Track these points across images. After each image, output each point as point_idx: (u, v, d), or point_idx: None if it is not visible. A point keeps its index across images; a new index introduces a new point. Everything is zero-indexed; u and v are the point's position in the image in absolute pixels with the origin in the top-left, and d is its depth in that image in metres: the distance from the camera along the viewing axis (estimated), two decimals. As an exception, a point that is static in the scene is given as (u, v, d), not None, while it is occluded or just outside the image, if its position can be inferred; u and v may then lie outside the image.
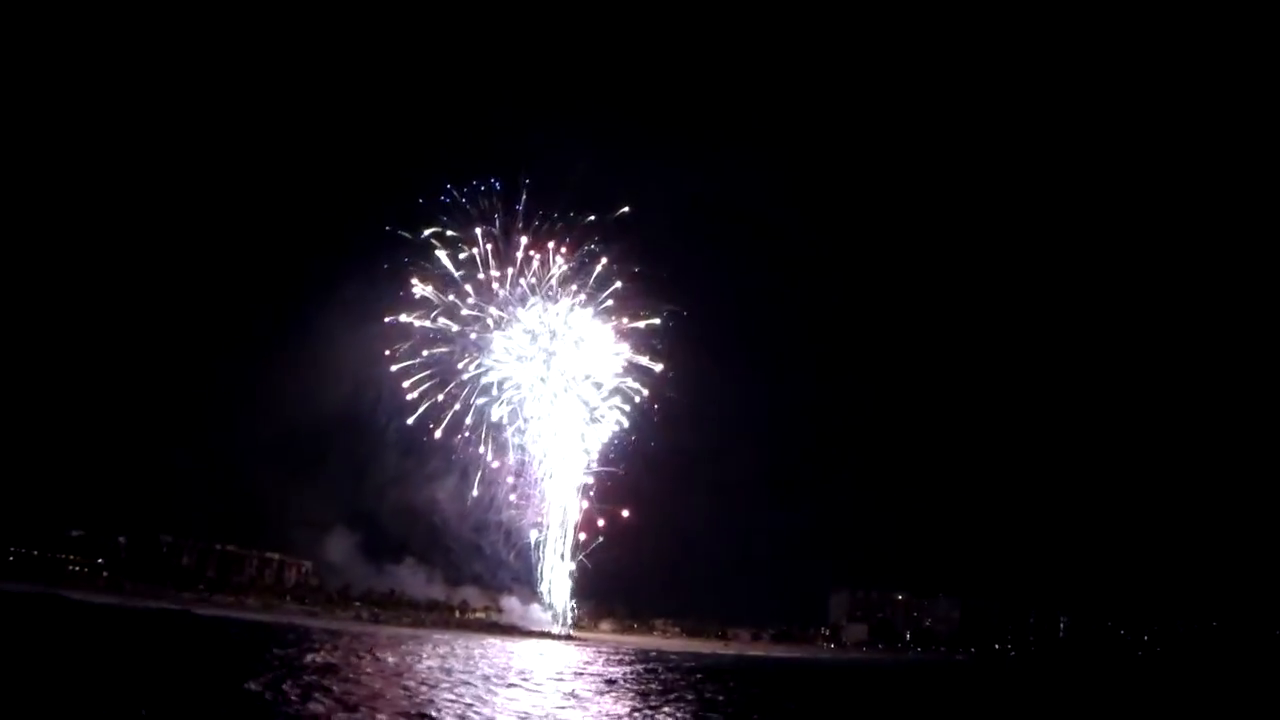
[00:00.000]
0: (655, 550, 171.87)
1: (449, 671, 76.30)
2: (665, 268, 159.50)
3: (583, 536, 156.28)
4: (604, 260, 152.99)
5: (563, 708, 58.19)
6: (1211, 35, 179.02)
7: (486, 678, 73.32)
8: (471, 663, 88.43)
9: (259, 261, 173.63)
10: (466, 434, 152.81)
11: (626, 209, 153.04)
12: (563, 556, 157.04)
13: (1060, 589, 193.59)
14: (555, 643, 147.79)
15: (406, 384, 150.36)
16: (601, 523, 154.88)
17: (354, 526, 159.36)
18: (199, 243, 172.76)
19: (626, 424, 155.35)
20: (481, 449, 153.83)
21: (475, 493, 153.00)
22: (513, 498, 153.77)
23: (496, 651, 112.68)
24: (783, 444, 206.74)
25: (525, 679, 74.84)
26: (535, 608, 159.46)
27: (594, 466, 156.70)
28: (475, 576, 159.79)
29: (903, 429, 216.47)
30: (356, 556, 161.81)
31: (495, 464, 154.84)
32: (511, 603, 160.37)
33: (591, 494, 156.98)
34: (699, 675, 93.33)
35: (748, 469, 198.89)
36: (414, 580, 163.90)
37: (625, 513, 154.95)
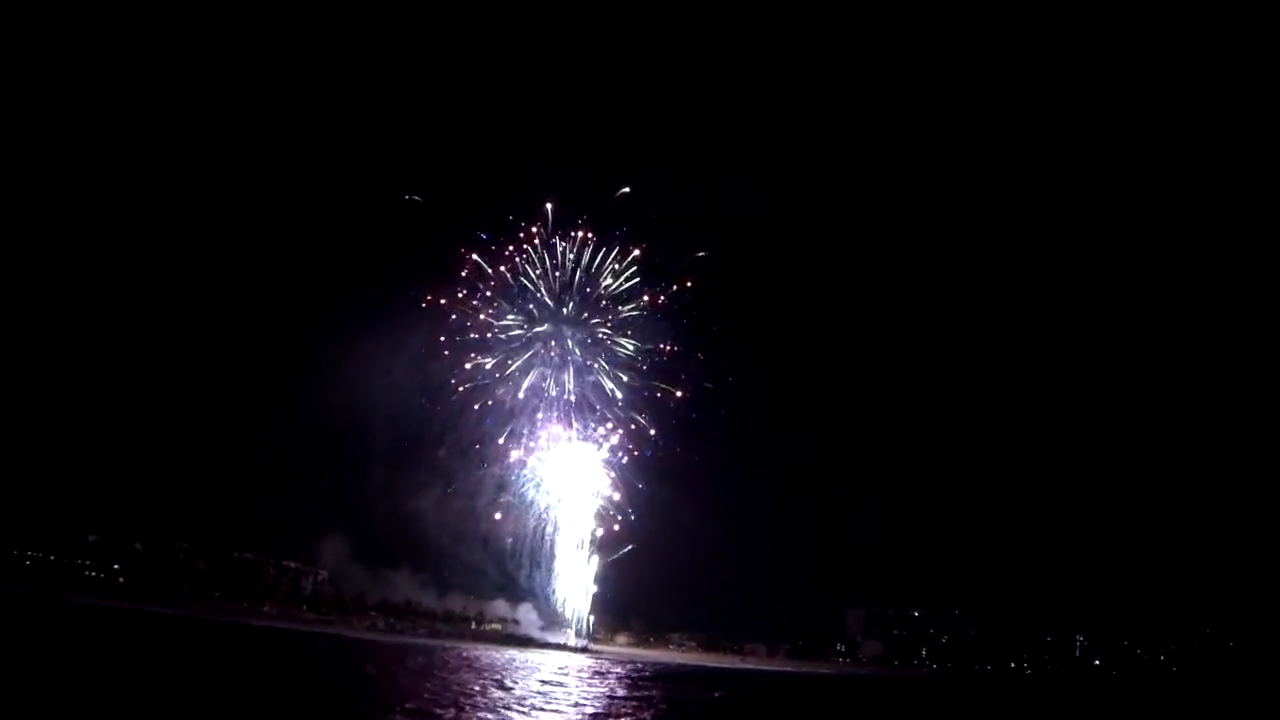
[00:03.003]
0: (672, 564, 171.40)
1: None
2: (683, 279, 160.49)
3: (599, 550, 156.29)
4: (623, 274, 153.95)
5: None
6: (1211, 35, 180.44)
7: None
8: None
9: (281, 277, 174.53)
10: (479, 445, 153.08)
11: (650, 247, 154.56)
12: (582, 564, 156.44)
13: (1076, 607, 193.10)
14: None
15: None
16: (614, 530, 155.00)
17: (362, 534, 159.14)
18: (223, 258, 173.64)
19: (646, 436, 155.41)
20: (498, 460, 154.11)
21: (489, 503, 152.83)
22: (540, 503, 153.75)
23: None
24: (800, 459, 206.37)
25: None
26: (552, 620, 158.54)
27: (613, 478, 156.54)
28: (491, 587, 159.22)
29: (920, 445, 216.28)
30: (362, 565, 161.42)
31: (513, 474, 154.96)
32: (528, 614, 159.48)
33: (609, 507, 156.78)
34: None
35: (765, 483, 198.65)
36: (424, 589, 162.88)
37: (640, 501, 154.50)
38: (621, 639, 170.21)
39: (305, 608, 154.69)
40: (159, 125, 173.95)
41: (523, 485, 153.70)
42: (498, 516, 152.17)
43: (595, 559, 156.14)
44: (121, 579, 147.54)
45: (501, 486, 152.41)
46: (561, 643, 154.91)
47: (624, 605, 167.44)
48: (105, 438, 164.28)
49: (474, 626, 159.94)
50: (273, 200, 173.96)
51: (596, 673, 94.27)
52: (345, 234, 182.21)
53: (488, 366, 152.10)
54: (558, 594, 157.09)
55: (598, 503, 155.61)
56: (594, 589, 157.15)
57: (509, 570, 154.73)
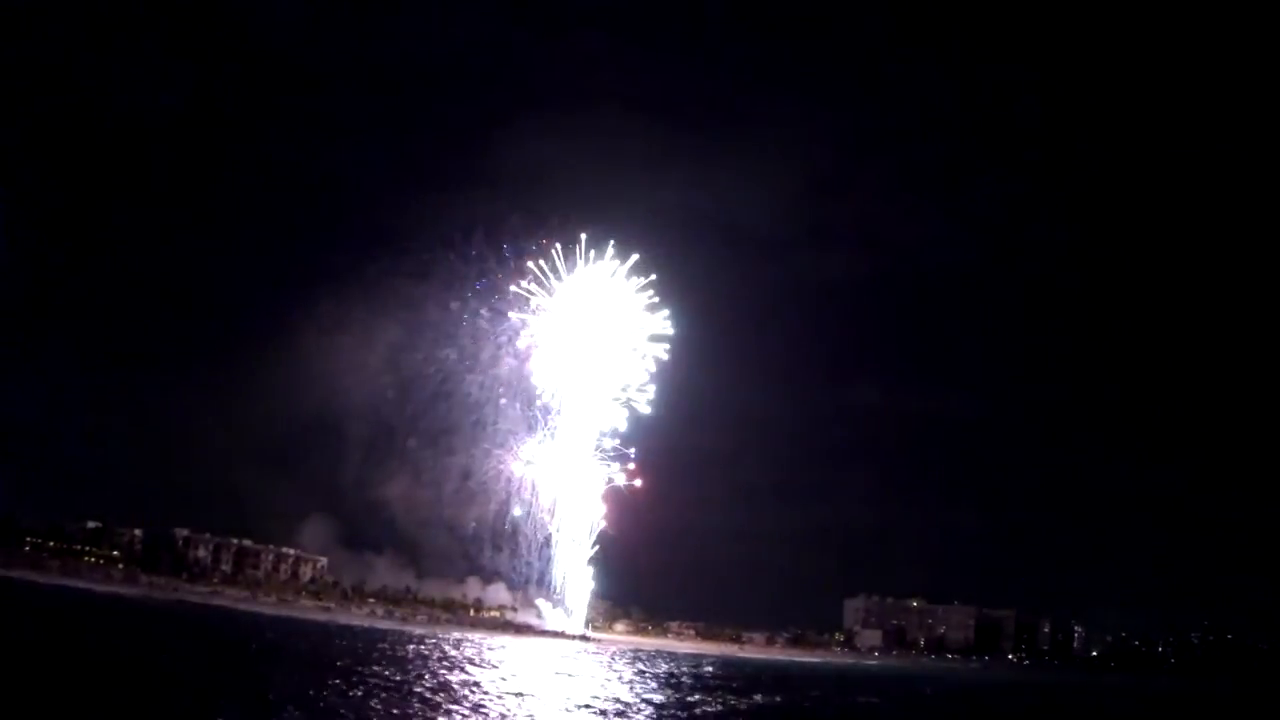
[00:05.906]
0: (671, 553, 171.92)
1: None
2: (685, 277, 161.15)
3: (600, 537, 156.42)
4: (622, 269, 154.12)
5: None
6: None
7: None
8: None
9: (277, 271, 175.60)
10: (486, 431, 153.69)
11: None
12: (580, 554, 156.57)
13: (1075, 599, 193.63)
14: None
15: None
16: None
17: (343, 519, 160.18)
18: (212, 257, 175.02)
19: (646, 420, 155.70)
20: (504, 449, 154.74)
21: (457, 489, 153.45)
22: (531, 494, 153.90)
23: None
24: (800, 449, 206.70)
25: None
26: (551, 607, 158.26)
27: (613, 466, 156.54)
28: (491, 575, 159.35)
29: (918, 436, 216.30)
30: (347, 550, 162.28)
31: (514, 465, 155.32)
32: (499, 594, 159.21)
33: (609, 494, 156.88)
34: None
35: (765, 473, 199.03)
36: (402, 572, 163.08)
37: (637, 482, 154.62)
38: (620, 627, 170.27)
39: (304, 595, 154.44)
40: (154, 126, 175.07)
41: (491, 472, 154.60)
42: (465, 501, 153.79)
43: (589, 545, 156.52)
44: (121, 565, 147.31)
45: (467, 474, 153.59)
46: (560, 630, 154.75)
47: (623, 593, 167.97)
48: (109, 424, 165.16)
49: (473, 614, 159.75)
50: (261, 199, 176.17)
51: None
52: (329, 231, 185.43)
53: (455, 358, 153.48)
54: (559, 581, 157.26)
55: (585, 488, 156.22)
56: (593, 576, 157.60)
57: (471, 553, 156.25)
